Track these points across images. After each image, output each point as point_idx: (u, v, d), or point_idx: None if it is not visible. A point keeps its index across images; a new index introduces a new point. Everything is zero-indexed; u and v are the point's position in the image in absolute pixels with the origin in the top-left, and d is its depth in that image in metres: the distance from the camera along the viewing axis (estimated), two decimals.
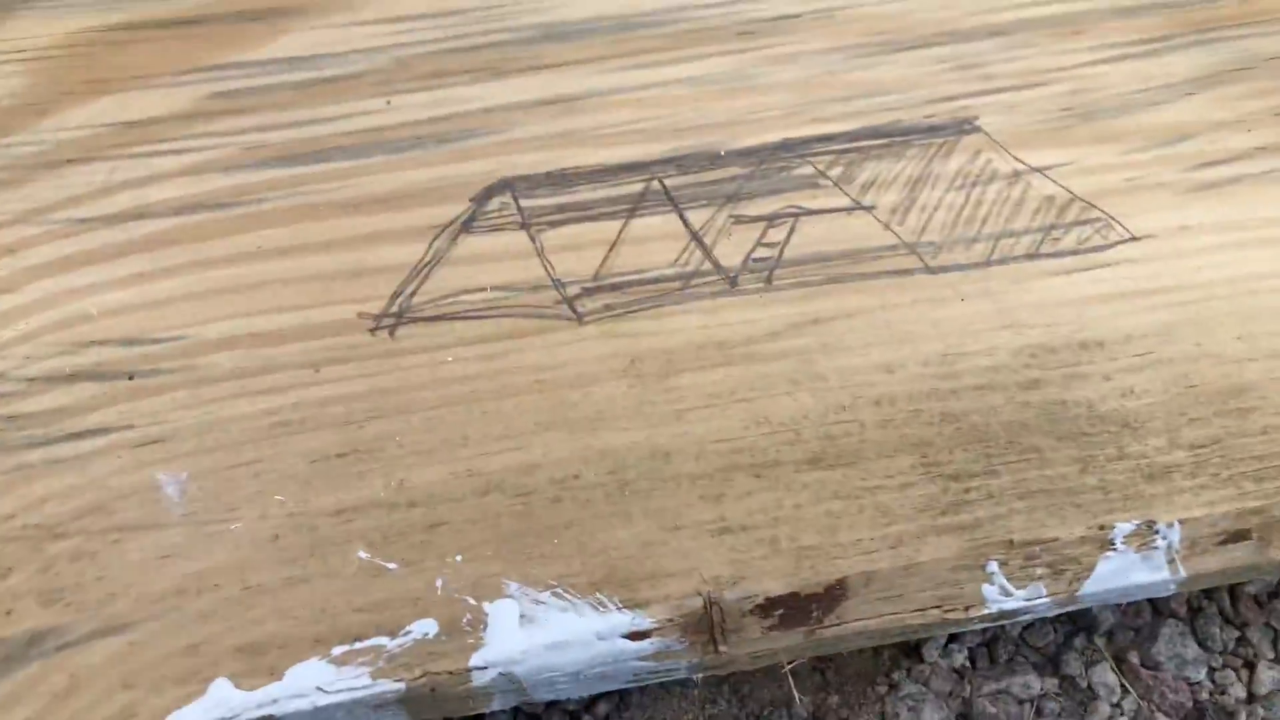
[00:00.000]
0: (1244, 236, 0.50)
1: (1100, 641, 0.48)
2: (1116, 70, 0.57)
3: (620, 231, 0.49)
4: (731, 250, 0.49)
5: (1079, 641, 0.47)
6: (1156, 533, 0.42)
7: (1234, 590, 0.49)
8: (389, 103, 0.53)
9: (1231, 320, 0.47)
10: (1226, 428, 0.44)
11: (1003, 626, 0.47)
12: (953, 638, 0.47)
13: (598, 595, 0.39)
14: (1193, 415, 0.45)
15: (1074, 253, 0.49)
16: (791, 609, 0.39)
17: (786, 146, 0.52)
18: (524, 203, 0.49)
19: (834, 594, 0.40)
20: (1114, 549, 0.42)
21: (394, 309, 0.45)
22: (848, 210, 0.50)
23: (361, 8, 0.57)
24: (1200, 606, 0.49)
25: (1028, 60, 0.57)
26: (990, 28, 0.58)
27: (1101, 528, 0.42)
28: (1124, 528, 0.42)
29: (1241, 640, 0.48)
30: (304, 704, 0.36)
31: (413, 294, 0.46)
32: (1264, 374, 0.46)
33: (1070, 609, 0.42)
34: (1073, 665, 0.47)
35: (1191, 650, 0.47)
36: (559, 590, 0.39)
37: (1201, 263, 0.49)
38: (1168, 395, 0.45)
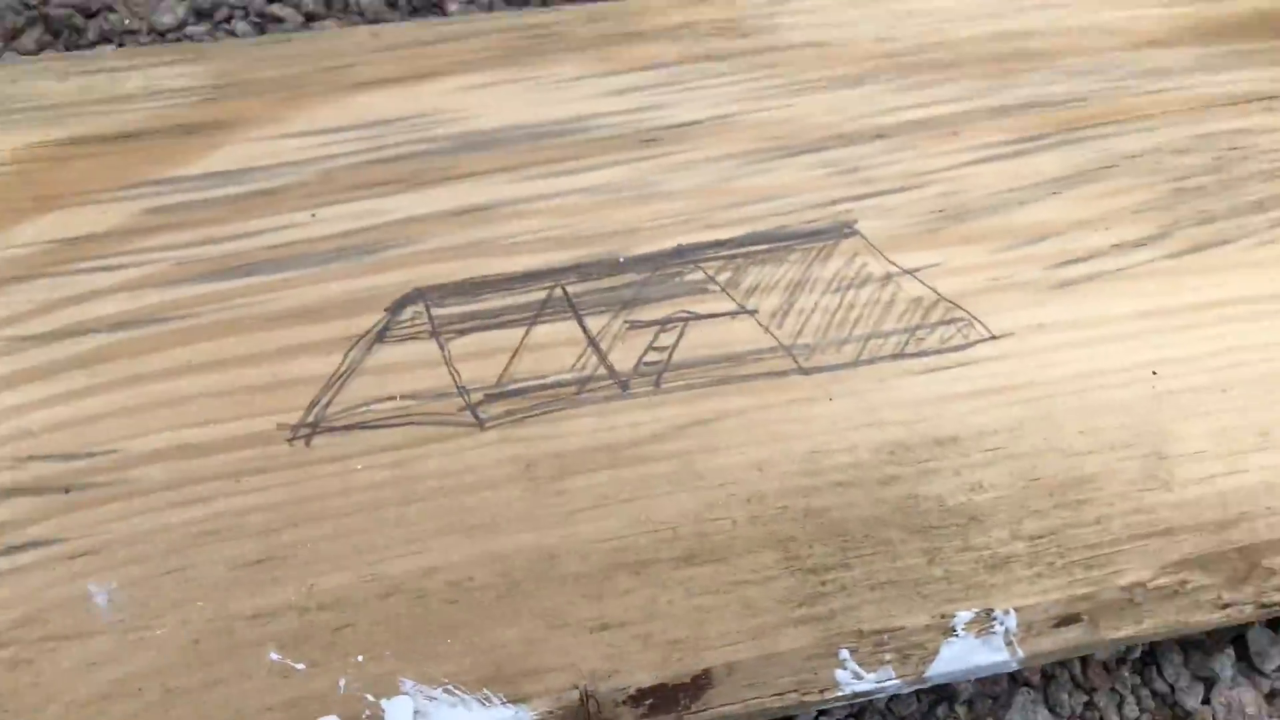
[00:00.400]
0: (1093, 334, 0.55)
1: (961, 710, 0.53)
2: (988, 170, 0.62)
3: (523, 338, 0.53)
4: (625, 355, 0.53)
5: (941, 710, 0.52)
6: (994, 619, 0.47)
7: (1085, 657, 0.54)
8: (314, 215, 0.57)
9: (1076, 415, 0.52)
10: (1064, 519, 0.49)
11: (869, 699, 0.52)
12: (823, 711, 0.52)
13: (485, 691, 0.43)
14: (1034, 508, 0.50)
15: (937, 352, 0.54)
16: (661, 698, 0.44)
17: (680, 252, 0.57)
18: (435, 312, 0.54)
19: (700, 684, 0.44)
20: (955, 635, 0.46)
21: (310, 419, 0.50)
22: (732, 314, 0.55)
23: (291, 119, 0.62)
24: (1053, 674, 0.54)
25: (906, 163, 0.61)
26: (874, 130, 0.63)
27: (944, 616, 0.47)
28: (964, 615, 0.47)
29: (1089, 704, 0.53)
30: None
31: (327, 404, 0.50)
32: (1101, 466, 0.51)
33: (920, 688, 0.47)
34: None
35: (1043, 715, 0.52)
36: (450, 687, 0.43)
37: (1053, 359, 0.54)
38: (1013, 489, 0.50)
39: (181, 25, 0.74)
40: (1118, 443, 0.51)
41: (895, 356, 0.54)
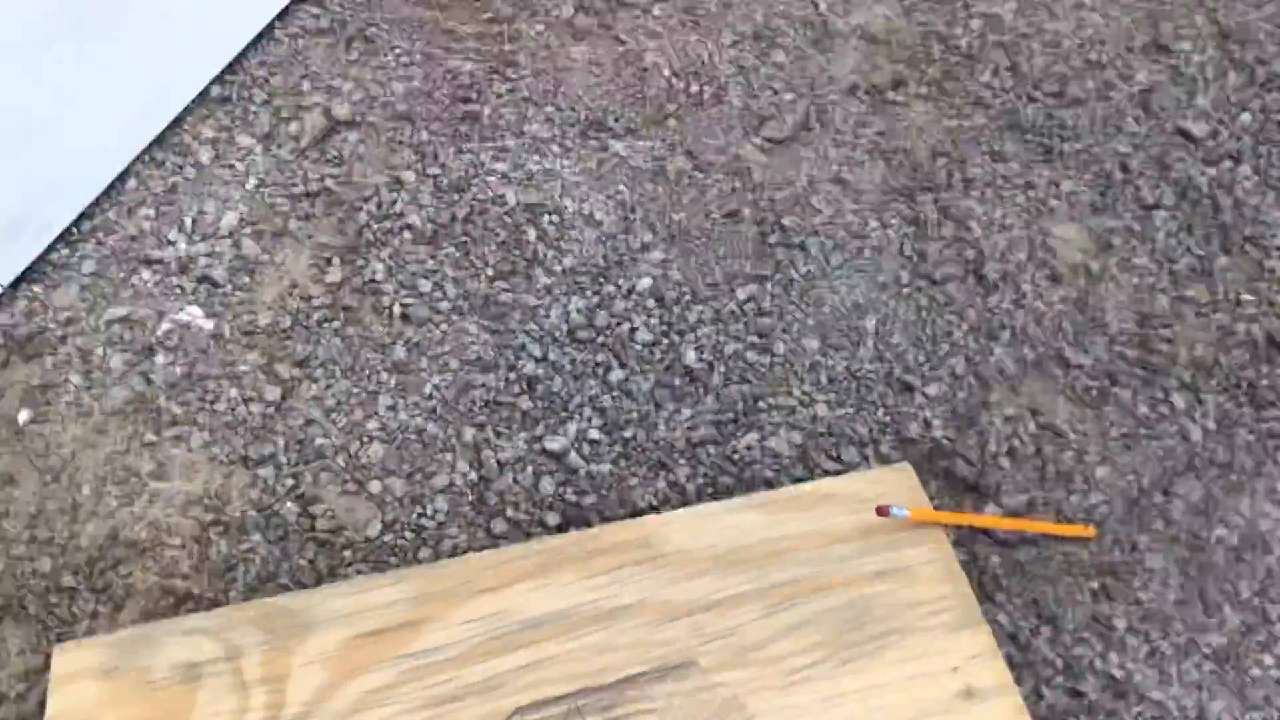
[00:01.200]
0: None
1: None
2: (755, 627, 1.41)
3: None
4: None
5: None
6: None
7: None
8: (461, 671, 1.36)
9: None
10: None
11: None
12: None
13: None
14: None
15: None
16: None
17: (584, 694, 1.35)
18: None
19: None
20: None
21: None
22: None
23: (450, 616, 1.40)
24: None
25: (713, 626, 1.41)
26: (705, 605, 1.42)
27: None
28: None
29: None
30: None
31: None
32: None
33: None
34: None
35: None
36: None
37: None
38: None
39: (380, 535, 1.53)
40: None
41: None
